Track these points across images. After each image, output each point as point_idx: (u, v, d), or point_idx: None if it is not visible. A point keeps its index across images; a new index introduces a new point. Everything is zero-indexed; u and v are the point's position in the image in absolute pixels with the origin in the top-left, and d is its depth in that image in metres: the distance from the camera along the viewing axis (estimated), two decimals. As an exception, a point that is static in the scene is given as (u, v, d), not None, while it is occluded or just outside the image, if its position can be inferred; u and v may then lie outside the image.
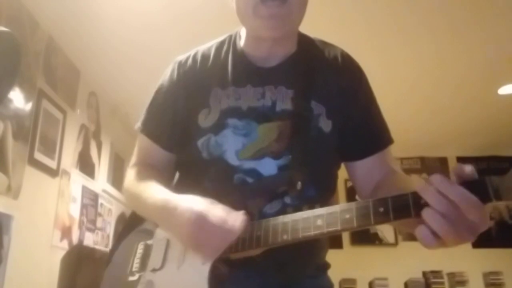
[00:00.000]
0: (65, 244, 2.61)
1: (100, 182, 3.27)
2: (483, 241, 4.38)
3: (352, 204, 0.68)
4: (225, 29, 1.07)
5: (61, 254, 2.51)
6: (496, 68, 3.05)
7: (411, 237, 4.42)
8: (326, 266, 1.00)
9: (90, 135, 3.12)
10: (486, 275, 4.24)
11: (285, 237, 0.74)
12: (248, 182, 0.88)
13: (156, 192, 0.89)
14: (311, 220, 0.71)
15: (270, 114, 0.91)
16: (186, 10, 2.36)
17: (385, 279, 4.14)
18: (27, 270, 2.19)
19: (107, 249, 3.31)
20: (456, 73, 3.11)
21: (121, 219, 3.68)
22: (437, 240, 0.60)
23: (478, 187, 0.58)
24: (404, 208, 0.63)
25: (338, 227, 0.68)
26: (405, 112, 3.57)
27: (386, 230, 4.50)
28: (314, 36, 1.04)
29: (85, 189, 2.96)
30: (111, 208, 3.47)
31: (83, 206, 2.91)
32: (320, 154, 0.91)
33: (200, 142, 0.92)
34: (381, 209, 0.65)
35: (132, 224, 1.02)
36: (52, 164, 2.51)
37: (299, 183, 0.84)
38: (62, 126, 2.65)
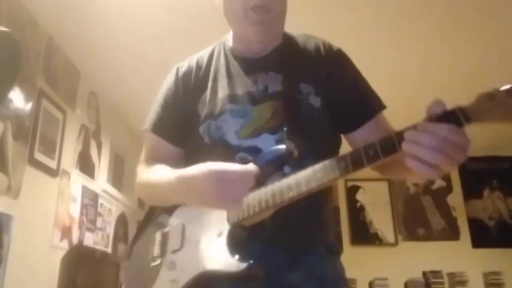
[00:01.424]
0: (65, 244, 2.61)
1: (100, 182, 3.27)
2: (483, 241, 4.41)
3: (346, 153, 0.78)
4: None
5: (61, 254, 2.50)
6: (496, 68, 3.05)
7: (411, 237, 4.44)
8: (337, 249, 1.04)
9: (90, 135, 3.12)
10: (486, 275, 4.24)
11: (290, 194, 0.82)
12: (250, 159, 0.93)
13: (166, 173, 0.97)
14: (311, 174, 0.80)
15: (263, 96, 1.00)
16: (188, 15, 2.36)
17: (385, 279, 4.14)
18: (27, 270, 2.19)
19: (107, 249, 3.31)
20: (456, 73, 3.11)
21: (121, 219, 3.68)
22: (429, 167, 0.69)
23: (451, 116, 0.70)
24: (390, 146, 0.73)
25: (337, 174, 0.77)
26: (405, 112, 3.56)
27: (386, 230, 4.50)
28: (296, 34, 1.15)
29: (85, 189, 2.96)
30: (111, 208, 3.47)
31: (83, 206, 2.91)
32: (313, 125, 0.99)
33: (201, 129, 1.01)
34: (371, 152, 0.75)
35: (148, 218, 1.10)
36: (52, 164, 2.51)
37: (296, 151, 0.91)
38: (62, 126, 2.65)
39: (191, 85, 1.08)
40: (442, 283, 4.17)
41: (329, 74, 1.03)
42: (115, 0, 2.32)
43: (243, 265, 0.83)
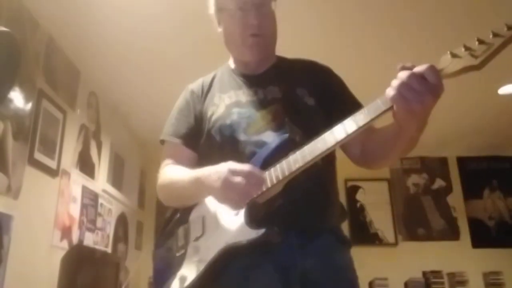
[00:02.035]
0: (65, 244, 2.61)
1: (100, 182, 3.27)
2: (483, 241, 4.41)
3: (337, 125, 0.91)
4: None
5: (61, 254, 2.50)
6: (496, 68, 3.05)
7: (411, 237, 4.44)
8: (347, 240, 1.14)
9: (90, 135, 3.12)
10: (486, 275, 4.24)
11: (297, 165, 0.93)
12: (258, 151, 1.06)
13: (185, 173, 1.10)
14: (313, 146, 0.93)
15: (265, 103, 1.15)
16: (186, 13, 2.36)
17: (385, 279, 4.14)
18: (27, 270, 2.19)
19: (107, 249, 3.31)
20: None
21: (121, 219, 3.68)
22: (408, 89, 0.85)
23: None
24: (376, 109, 0.86)
25: (333, 143, 0.90)
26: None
27: (386, 230, 4.50)
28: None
29: (85, 189, 2.96)
30: (111, 208, 3.47)
31: (83, 206, 2.91)
32: (310, 119, 1.12)
33: (213, 130, 1.15)
34: (361, 116, 0.87)
35: (168, 222, 1.21)
36: (52, 164, 2.51)
37: (297, 136, 1.06)
38: (62, 126, 2.65)
39: (200, 98, 1.25)
40: (442, 283, 4.17)
41: (321, 81, 1.20)
42: (116, 0, 2.32)
43: (261, 230, 0.92)
